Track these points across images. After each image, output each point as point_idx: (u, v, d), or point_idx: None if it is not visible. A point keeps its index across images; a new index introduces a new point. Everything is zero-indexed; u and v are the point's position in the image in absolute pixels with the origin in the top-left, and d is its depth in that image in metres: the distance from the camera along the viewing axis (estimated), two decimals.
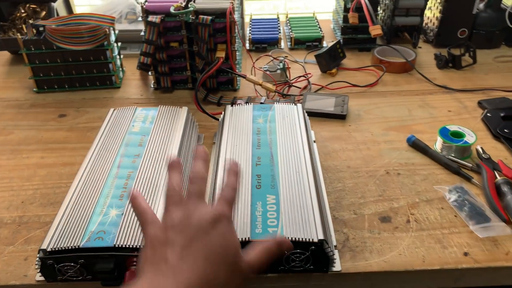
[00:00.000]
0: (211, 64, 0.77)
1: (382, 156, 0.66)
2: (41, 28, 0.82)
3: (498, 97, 0.80)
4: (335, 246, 0.51)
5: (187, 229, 0.38)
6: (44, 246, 0.45)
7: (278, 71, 0.86)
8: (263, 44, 0.99)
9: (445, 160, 0.64)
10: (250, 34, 1.01)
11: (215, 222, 0.39)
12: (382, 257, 0.50)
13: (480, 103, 0.79)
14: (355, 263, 0.50)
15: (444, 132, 0.66)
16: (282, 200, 0.50)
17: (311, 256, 0.46)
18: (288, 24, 1.08)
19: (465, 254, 0.50)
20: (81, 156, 0.66)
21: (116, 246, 0.44)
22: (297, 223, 0.47)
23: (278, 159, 0.56)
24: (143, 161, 0.56)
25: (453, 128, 0.67)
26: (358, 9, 0.92)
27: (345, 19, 0.95)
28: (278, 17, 1.10)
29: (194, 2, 0.78)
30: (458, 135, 0.66)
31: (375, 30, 0.87)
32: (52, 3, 0.96)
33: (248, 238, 0.45)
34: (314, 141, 0.69)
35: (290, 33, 1.02)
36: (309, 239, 0.45)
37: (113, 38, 0.84)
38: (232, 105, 0.68)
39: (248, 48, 1.00)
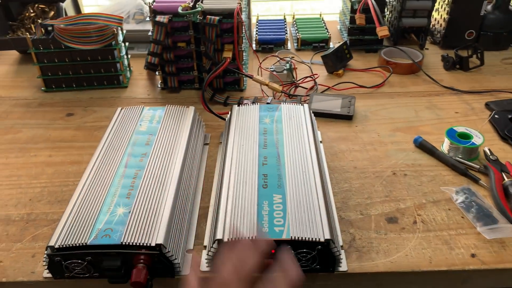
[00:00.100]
0: (218, 64, 0.78)
1: (389, 157, 0.66)
2: (49, 28, 0.83)
3: (505, 98, 0.80)
4: (342, 246, 0.51)
5: None
6: (52, 243, 0.45)
7: (285, 72, 0.86)
8: (270, 45, 1.00)
9: (452, 162, 0.63)
10: (256, 35, 1.01)
11: None
12: (388, 258, 0.50)
13: (487, 105, 0.78)
14: (362, 264, 0.50)
15: (451, 134, 0.66)
16: (288, 200, 0.50)
17: (318, 255, 0.46)
18: (295, 25, 1.08)
19: (472, 255, 0.50)
20: (89, 154, 0.67)
21: (123, 243, 0.45)
22: (303, 222, 0.47)
23: (285, 159, 0.56)
24: (150, 161, 0.56)
25: (460, 129, 0.67)
26: (365, 10, 0.92)
27: (352, 20, 0.95)
28: (284, 18, 1.10)
29: (201, 2, 0.78)
30: (466, 137, 0.65)
31: (382, 31, 0.87)
32: (61, 3, 0.97)
33: (255, 237, 0.45)
34: (321, 142, 0.69)
35: (297, 34, 1.02)
36: (315, 238, 0.45)
37: (120, 38, 0.84)
38: (238, 105, 0.68)
39: (254, 48, 1.00)
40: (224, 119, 0.72)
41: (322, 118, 0.75)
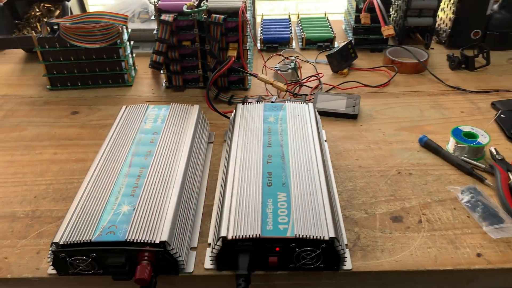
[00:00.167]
0: (223, 63, 0.78)
1: (394, 156, 0.66)
2: (55, 26, 0.83)
3: None
4: (346, 245, 0.51)
5: None
6: (56, 240, 0.46)
7: (289, 71, 0.86)
8: (274, 44, 1.00)
9: (458, 161, 0.63)
10: (261, 34, 1.01)
11: None
12: (393, 257, 0.50)
13: (493, 104, 0.78)
14: (366, 262, 0.49)
15: (456, 133, 0.66)
16: (293, 198, 0.50)
17: (322, 254, 0.46)
18: (300, 24, 1.08)
19: (478, 255, 0.50)
20: (93, 152, 0.67)
21: (128, 240, 0.45)
22: (308, 221, 0.47)
23: (289, 158, 0.56)
24: (154, 159, 0.56)
25: (466, 128, 0.66)
26: (370, 9, 0.91)
27: (357, 19, 0.95)
28: (289, 18, 1.10)
29: (206, 1, 0.78)
30: (471, 136, 0.65)
31: (388, 30, 0.87)
32: (66, 2, 0.97)
33: (259, 235, 0.45)
34: (325, 141, 0.69)
35: (302, 33, 1.02)
36: (320, 237, 0.45)
37: (126, 36, 0.85)
38: (243, 104, 0.68)
39: (259, 48, 1.00)
40: (229, 118, 0.72)
41: (326, 117, 0.74)
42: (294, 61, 0.87)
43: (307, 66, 0.92)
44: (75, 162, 0.66)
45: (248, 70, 0.81)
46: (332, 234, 0.45)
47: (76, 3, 1.02)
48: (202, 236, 0.53)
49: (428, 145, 0.67)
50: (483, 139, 0.64)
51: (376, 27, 0.93)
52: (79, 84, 0.86)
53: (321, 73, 0.87)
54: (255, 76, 0.79)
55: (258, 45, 1.00)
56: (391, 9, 0.99)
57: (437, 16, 0.97)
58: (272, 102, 0.75)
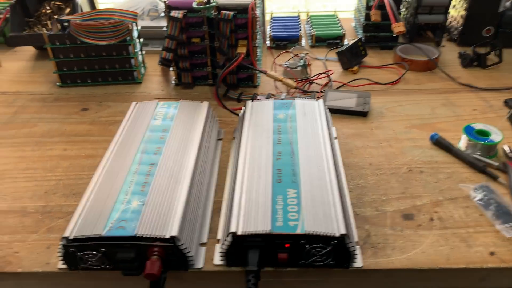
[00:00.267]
0: (232, 59, 0.77)
1: (405, 154, 0.65)
2: (65, 24, 0.84)
3: None
4: (357, 242, 0.51)
5: None
6: (67, 234, 0.46)
7: (299, 68, 0.86)
8: (284, 41, 0.99)
9: (470, 159, 0.62)
10: (270, 31, 1.01)
11: None
12: (404, 255, 0.49)
13: (506, 102, 0.77)
14: (377, 260, 0.49)
15: (469, 130, 0.65)
16: (303, 195, 0.49)
17: (332, 251, 0.46)
18: (309, 22, 1.07)
19: (491, 253, 0.49)
20: (103, 149, 0.67)
21: (137, 235, 0.45)
22: (318, 217, 0.46)
23: (299, 154, 0.55)
24: (164, 155, 0.56)
25: (478, 126, 0.66)
26: (381, 7, 0.91)
27: (367, 17, 0.94)
28: (299, 15, 1.10)
29: None
30: (484, 134, 0.64)
31: (398, 28, 0.86)
32: (76, 0, 0.97)
33: (269, 231, 0.45)
34: (336, 138, 0.68)
35: (311, 30, 1.01)
36: (330, 233, 0.45)
37: (135, 33, 0.85)
38: (252, 101, 0.68)
39: (268, 45, 0.99)
40: (238, 115, 0.72)
41: (336, 114, 0.74)
42: (303, 58, 0.87)
43: (317, 64, 0.92)
44: (85, 158, 0.66)
45: (257, 67, 0.81)
46: (342, 231, 0.45)
47: (86, 1, 1.02)
48: (211, 232, 0.53)
49: (440, 143, 0.66)
50: (496, 136, 0.63)
51: (386, 24, 0.92)
52: (89, 81, 0.86)
53: (331, 70, 0.87)
54: (265, 73, 0.79)
55: (268, 42, 1.00)
56: (401, 6, 0.98)
57: (448, 13, 0.96)
58: (281, 99, 0.74)
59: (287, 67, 0.86)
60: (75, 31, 0.80)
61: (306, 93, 0.80)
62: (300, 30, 1.01)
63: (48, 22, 1.00)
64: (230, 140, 0.70)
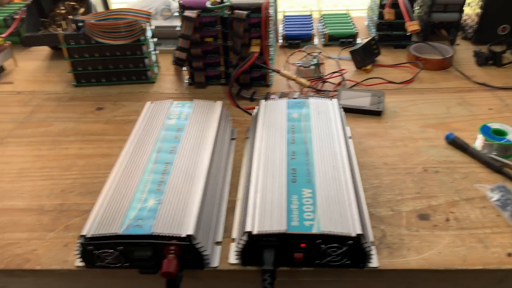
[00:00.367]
0: (245, 59, 0.77)
1: (420, 153, 0.65)
2: (80, 24, 0.85)
3: None
4: (372, 242, 0.50)
5: None
6: (84, 232, 0.46)
7: (312, 67, 0.85)
8: (296, 40, 0.99)
9: (487, 159, 0.62)
10: (283, 30, 1.01)
11: None
12: (420, 255, 0.49)
13: None
14: (393, 260, 0.49)
15: (485, 130, 0.64)
16: (318, 194, 0.49)
17: (348, 251, 0.46)
18: (322, 20, 1.07)
19: (509, 254, 0.49)
20: (118, 148, 0.67)
21: (154, 234, 0.45)
22: (334, 217, 0.46)
23: (314, 154, 0.55)
24: (179, 155, 0.56)
25: (495, 126, 0.65)
26: (394, 5, 0.90)
27: (381, 15, 0.94)
28: (311, 14, 1.10)
29: None
30: (501, 133, 0.63)
31: (412, 26, 0.85)
32: (90, 0, 0.98)
33: (285, 230, 0.45)
34: (350, 137, 0.68)
35: (324, 29, 1.01)
36: (346, 233, 0.45)
37: (149, 33, 0.85)
38: (265, 100, 0.68)
39: (280, 44, 0.99)
40: (251, 114, 0.72)
41: (350, 113, 0.74)
42: (316, 57, 0.86)
43: (330, 62, 0.91)
44: (101, 157, 0.67)
45: (270, 66, 0.81)
46: (358, 231, 0.45)
47: (100, 1, 1.03)
48: (226, 231, 0.53)
49: (455, 143, 0.65)
50: None
51: (399, 23, 0.91)
52: (104, 80, 0.87)
53: (344, 69, 0.86)
54: (278, 72, 0.79)
55: (280, 41, 1.00)
56: (415, 5, 0.97)
57: (463, 12, 0.95)
58: (294, 98, 0.74)
59: (300, 66, 0.86)
60: (90, 31, 0.81)
61: (319, 92, 0.80)
62: (313, 29, 1.01)
63: (63, 22, 1.01)
64: (243, 140, 0.70)
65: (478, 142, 0.65)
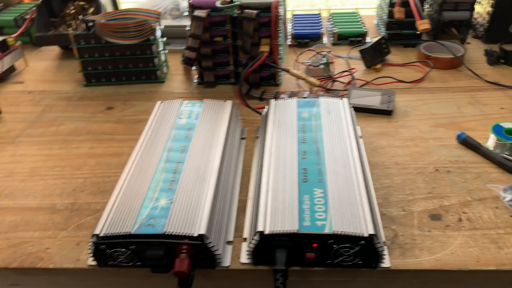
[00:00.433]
0: (255, 58, 0.77)
1: (431, 153, 0.64)
2: (90, 23, 0.85)
3: None
4: (384, 243, 0.50)
5: None
6: (97, 232, 0.46)
7: (321, 66, 0.85)
8: (305, 39, 0.99)
9: (499, 159, 0.61)
10: (292, 29, 1.00)
11: None
12: (433, 255, 0.49)
13: None
14: (405, 260, 0.48)
15: (497, 130, 0.64)
16: (330, 194, 0.49)
17: (360, 251, 0.46)
18: (331, 19, 1.06)
19: None
20: (129, 147, 0.68)
21: (166, 233, 0.45)
22: (346, 217, 0.46)
23: (325, 154, 0.55)
24: (189, 154, 0.56)
25: (507, 125, 0.64)
26: (404, 4, 0.90)
27: (390, 14, 0.93)
28: (320, 13, 1.09)
29: None
30: None
31: (423, 25, 0.85)
32: (100, 0, 0.99)
33: (297, 230, 0.45)
34: (360, 137, 0.68)
35: (333, 28, 1.01)
36: (359, 233, 0.44)
37: (159, 33, 0.85)
38: (275, 100, 0.68)
39: (289, 43, 0.99)
40: (261, 114, 0.72)
41: (360, 113, 0.73)
42: (326, 56, 0.86)
43: (339, 62, 0.91)
44: (111, 157, 0.67)
45: (280, 65, 0.81)
46: (371, 231, 0.45)
47: (109, 1, 1.04)
48: (237, 230, 0.53)
49: (467, 142, 0.65)
50: None
51: (409, 21, 0.91)
52: (113, 80, 0.87)
53: (354, 68, 0.86)
54: (287, 71, 0.79)
55: (289, 40, 1.00)
56: (425, 3, 0.96)
57: (473, 10, 0.94)
58: (304, 97, 0.74)
59: (310, 65, 0.86)
60: (100, 31, 0.81)
61: (329, 92, 0.80)
62: (322, 27, 1.01)
63: (73, 22, 1.01)
64: (253, 139, 0.70)
65: (490, 142, 0.64)
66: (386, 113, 0.73)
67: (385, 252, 0.48)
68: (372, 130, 0.70)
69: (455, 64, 0.87)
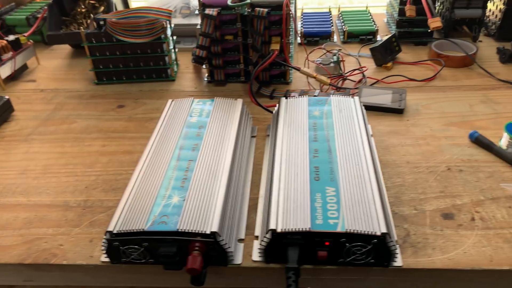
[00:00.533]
0: (266, 56, 0.77)
1: (443, 152, 0.64)
2: (101, 22, 0.85)
3: None
4: (396, 241, 0.50)
5: None
6: (110, 229, 0.47)
7: (332, 64, 0.85)
8: (315, 37, 0.99)
9: None
10: (302, 28, 1.00)
11: None
12: (445, 255, 0.48)
13: None
14: (417, 259, 0.48)
15: (510, 128, 0.63)
16: (342, 193, 0.49)
17: (373, 249, 0.46)
18: (341, 17, 1.06)
19: None
20: (140, 145, 0.68)
21: (179, 230, 0.45)
22: (358, 215, 0.46)
23: (336, 152, 0.55)
24: (201, 152, 0.57)
25: None
26: (415, 1, 0.89)
27: (401, 12, 0.93)
28: (330, 11, 1.09)
29: None
30: None
31: (435, 23, 0.84)
32: None
33: (309, 228, 0.45)
34: (372, 135, 0.67)
35: (343, 26, 1.00)
36: (371, 232, 0.44)
37: (169, 31, 0.86)
38: (286, 98, 0.68)
39: (299, 41, 0.99)
40: (271, 112, 0.72)
41: (371, 111, 0.73)
42: (336, 55, 0.86)
43: (350, 60, 0.91)
44: (123, 154, 0.68)
45: (290, 63, 0.81)
46: (383, 230, 0.45)
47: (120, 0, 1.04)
48: (248, 228, 0.53)
49: (480, 141, 0.65)
50: None
51: (420, 19, 0.90)
52: (124, 78, 0.88)
53: (364, 67, 0.86)
54: (298, 69, 0.79)
55: (299, 38, 0.99)
56: (436, 1, 0.95)
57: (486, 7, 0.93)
58: (315, 96, 0.74)
59: (320, 63, 0.86)
60: (111, 29, 0.81)
61: (340, 90, 0.79)
62: (332, 26, 1.00)
63: (84, 21, 1.02)
64: (263, 137, 0.70)
65: (504, 141, 0.64)
66: (397, 111, 0.73)
67: (397, 251, 0.48)
68: (383, 128, 0.70)
69: (467, 62, 0.87)
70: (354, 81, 0.83)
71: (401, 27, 0.96)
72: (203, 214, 0.47)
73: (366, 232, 0.44)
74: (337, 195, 0.49)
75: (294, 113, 0.64)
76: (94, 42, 0.84)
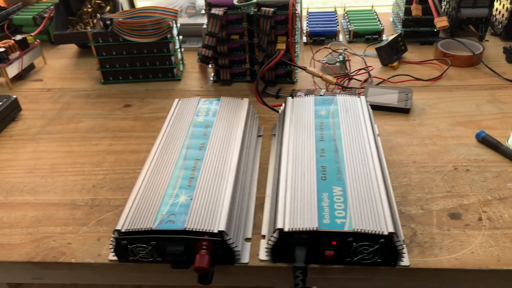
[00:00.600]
0: (272, 56, 0.78)
1: (449, 152, 0.64)
2: (108, 22, 0.86)
3: None
4: (403, 241, 0.50)
5: None
6: (118, 227, 0.47)
7: (338, 64, 0.85)
8: (321, 37, 0.99)
9: None
10: (307, 27, 1.00)
11: None
12: (453, 254, 0.48)
13: None
14: (424, 259, 0.48)
15: None
16: (349, 192, 0.49)
17: (380, 249, 0.46)
18: (346, 17, 1.06)
19: None
20: (147, 144, 0.69)
21: (187, 229, 0.46)
22: (365, 215, 0.46)
23: (343, 152, 0.55)
24: (208, 151, 0.57)
25: None
26: (422, 1, 0.89)
27: (407, 11, 0.92)
28: (335, 10, 1.09)
29: None
30: None
31: (441, 22, 0.84)
32: None
33: (316, 228, 0.45)
34: (378, 135, 0.67)
35: (349, 26, 1.00)
36: (379, 231, 0.44)
37: (175, 31, 0.86)
38: (292, 97, 0.68)
39: (305, 41, 0.99)
40: (277, 111, 0.72)
41: (377, 111, 0.73)
42: (342, 54, 0.86)
43: (355, 59, 0.91)
44: (130, 153, 0.68)
45: (296, 63, 0.81)
46: (391, 229, 0.45)
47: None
48: (255, 228, 0.54)
49: (487, 141, 0.64)
50: None
51: (426, 19, 0.90)
52: (131, 77, 0.88)
53: (370, 66, 0.86)
54: (304, 69, 0.79)
55: (304, 38, 0.99)
56: (443, 0, 0.95)
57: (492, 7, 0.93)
58: (321, 95, 0.74)
59: (326, 63, 0.86)
60: (118, 29, 0.82)
61: (346, 89, 0.79)
62: (338, 25, 1.00)
63: (90, 20, 1.02)
64: (269, 137, 0.70)
65: (511, 140, 0.63)
66: (404, 111, 0.73)
67: (404, 250, 0.48)
68: (390, 128, 0.70)
69: (473, 61, 0.86)
70: (360, 81, 0.83)
71: (407, 27, 0.95)
72: (210, 213, 0.48)
73: (373, 232, 0.44)
74: (344, 195, 0.49)
75: (300, 112, 0.64)
76: (101, 41, 0.84)
